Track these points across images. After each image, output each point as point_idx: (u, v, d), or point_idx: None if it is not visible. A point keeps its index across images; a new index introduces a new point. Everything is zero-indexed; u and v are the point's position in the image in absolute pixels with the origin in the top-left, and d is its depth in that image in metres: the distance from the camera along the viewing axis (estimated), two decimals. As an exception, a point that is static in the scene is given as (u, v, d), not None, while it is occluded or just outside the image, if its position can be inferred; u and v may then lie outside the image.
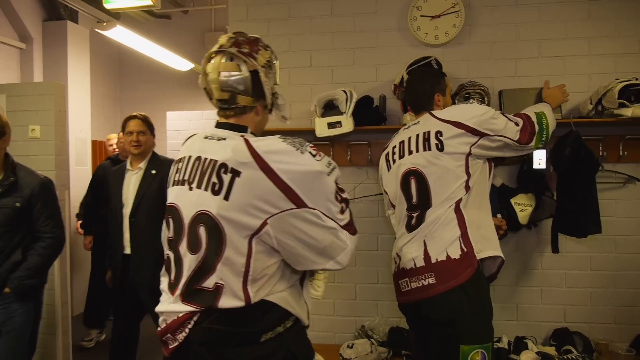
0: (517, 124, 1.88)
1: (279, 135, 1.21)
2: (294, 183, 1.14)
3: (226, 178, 1.15)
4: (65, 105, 3.27)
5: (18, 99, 3.05)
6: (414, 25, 2.83)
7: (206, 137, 1.27)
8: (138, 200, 2.57)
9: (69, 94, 4.44)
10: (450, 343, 1.73)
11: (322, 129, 2.62)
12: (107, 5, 3.22)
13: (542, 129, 1.93)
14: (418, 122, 1.95)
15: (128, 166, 2.71)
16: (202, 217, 1.17)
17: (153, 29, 5.65)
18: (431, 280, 1.77)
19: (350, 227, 1.24)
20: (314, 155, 1.18)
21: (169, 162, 1.28)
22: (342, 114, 2.62)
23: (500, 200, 2.53)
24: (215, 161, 1.18)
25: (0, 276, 2.14)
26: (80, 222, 3.81)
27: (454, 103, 2.47)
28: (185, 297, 1.20)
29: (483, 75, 2.74)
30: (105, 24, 4.28)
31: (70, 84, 4.54)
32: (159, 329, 1.27)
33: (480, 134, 1.80)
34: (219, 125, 1.30)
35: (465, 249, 1.75)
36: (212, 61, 1.26)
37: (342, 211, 1.21)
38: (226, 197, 1.14)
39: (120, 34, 4.47)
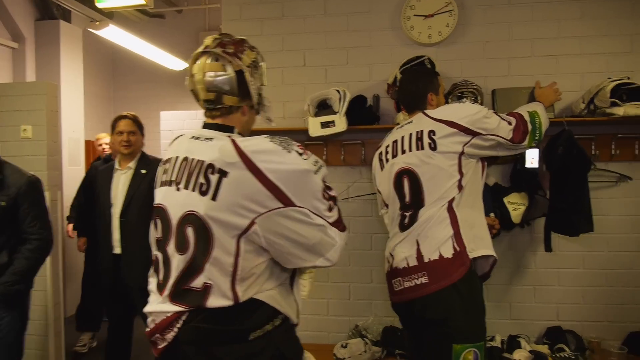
0: (510, 123, 1.88)
1: (265, 135, 1.22)
2: (281, 182, 1.15)
3: (213, 178, 1.16)
4: (58, 105, 3.25)
5: (10, 98, 3.03)
6: (408, 24, 2.83)
7: (193, 137, 1.28)
8: (128, 200, 2.56)
9: (61, 94, 4.41)
10: (443, 342, 1.73)
11: (315, 128, 2.62)
12: (99, 5, 3.21)
13: (535, 128, 1.93)
14: (411, 122, 1.95)
15: (117, 166, 2.70)
16: (190, 218, 1.18)
17: (147, 28, 5.62)
18: (424, 280, 1.78)
19: (339, 224, 1.25)
20: (300, 154, 1.20)
21: (158, 162, 1.28)
22: (335, 113, 2.61)
23: (493, 199, 2.54)
24: (203, 162, 1.19)
25: None
26: (71, 225, 3.76)
27: (447, 102, 2.48)
28: (174, 297, 1.21)
29: (476, 75, 2.75)
30: (98, 23, 4.27)
31: (63, 84, 4.51)
32: (147, 329, 1.28)
33: (473, 133, 1.80)
34: (205, 125, 1.31)
35: (457, 248, 1.76)
36: (198, 62, 1.27)
37: (330, 209, 1.22)
38: (214, 198, 1.15)
39: (113, 34, 4.46)
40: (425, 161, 1.83)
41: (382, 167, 2.04)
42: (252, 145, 1.18)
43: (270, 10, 2.98)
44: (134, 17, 5.39)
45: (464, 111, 1.86)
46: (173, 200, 1.23)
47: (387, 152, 2.01)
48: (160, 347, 1.23)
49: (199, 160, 1.20)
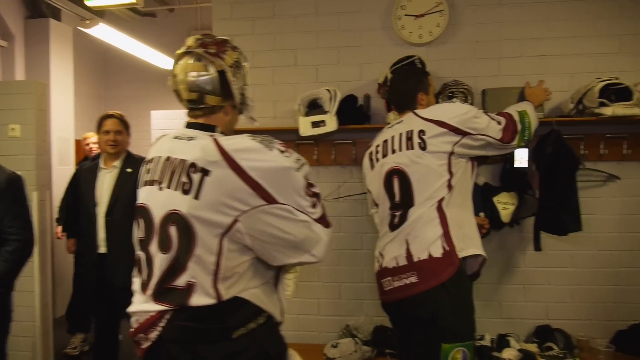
0: (499, 123, 1.89)
1: (247, 134, 1.22)
2: (263, 180, 1.15)
3: (196, 177, 1.16)
4: (47, 104, 3.22)
5: (-3, 97, 3.00)
6: (398, 24, 2.83)
7: (176, 137, 1.29)
8: (114, 199, 2.55)
9: (51, 93, 4.38)
10: (432, 341, 1.73)
11: (306, 128, 2.61)
12: (88, 3, 3.19)
13: (525, 128, 1.94)
14: (401, 121, 1.96)
15: (101, 165, 2.69)
16: (173, 217, 1.19)
17: (138, 27, 5.58)
18: (413, 279, 1.78)
19: (323, 221, 1.26)
20: (282, 152, 1.21)
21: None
22: (326, 113, 2.61)
23: (483, 198, 2.54)
24: (185, 161, 1.20)
25: None
26: (60, 227, 3.72)
27: (437, 102, 2.48)
28: (157, 296, 1.21)
29: (467, 75, 2.76)
30: (88, 22, 4.24)
31: (52, 83, 4.47)
32: (131, 329, 1.28)
33: (463, 133, 1.81)
34: (188, 125, 1.32)
35: (447, 248, 1.76)
36: (180, 62, 1.28)
37: (313, 205, 1.24)
38: (196, 196, 1.16)
39: (103, 32, 4.43)
40: (415, 161, 1.83)
41: (372, 166, 2.04)
42: (234, 143, 1.18)
43: (261, 10, 2.97)
44: (125, 16, 5.34)
45: (453, 111, 1.86)
46: (156, 199, 1.24)
47: (377, 152, 2.01)
48: (144, 346, 1.23)
49: (181, 160, 1.21)
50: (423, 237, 1.79)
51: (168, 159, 1.24)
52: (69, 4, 4.03)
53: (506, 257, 2.80)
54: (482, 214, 2.39)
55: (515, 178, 2.61)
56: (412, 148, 1.85)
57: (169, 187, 1.21)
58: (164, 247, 1.20)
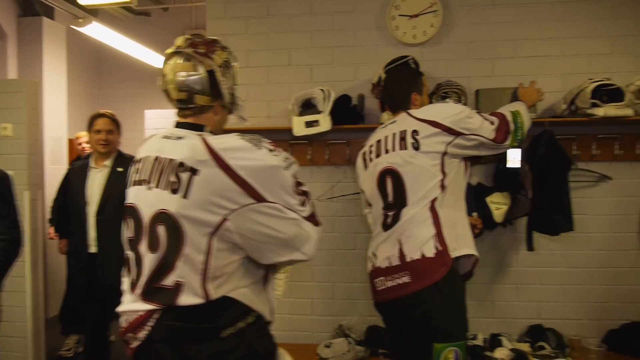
0: (492, 123, 1.89)
1: (236, 133, 1.23)
2: (251, 178, 1.16)
3: (184, 176, 1.17)
4: (39, 103, 3.20)
5: (-10, 96, 2.98)
6: (393, 24, 2.83)
7: (164, 137, 1.29)
8: (105, 198, 2.55)
9: (44, 92, 4.36)
10: (424, 341, 1.74)
11: (299, 127, 2.61)
12: (81, 1, 3.17)
13: (518, 128, 1.94)
14: (395, 121, 1.96)
15: (92, 164, 2.68)
16: (161, 216, 1.19)
17: (132, 26, 5.56)
18: (406, 279, 1.78)
19: (312, 219, 1.27)
20: (271, 151, 1.22)
21: None
22: (320, 112, 2.61)
23: (476, 198, 2.55)
24: (173, 160, 1.20)
25: None
26: (53, 227, 3.70)
27: (431, 102, 2.49)
28: (146, 296, 1.21)
29: (460, 75, 2.76)
30: (81, 20, 4.21)
31: (45, 82, 4.44)
32: (120, 329, 1.28)
33: (456, 133, 1.81)
34: (177, 125, 1.32)
35: (439, 248, 1.76)
36: (169, 62, 1.29)
37: (302, 203, 1.25)
38: (185, 196, 1.16)
39: (97, 31, 4.41)
40: (409, 161, 1.83)
41: (365, 166, 2.04)
42: (222, 143, 1.19)
43: (255, 9, 2.97)
44: (119, 15, 5.32)
45: (447, 111, 1.86)
46: (144, 199, 1.24)
47: (370, 152, 2.01)
48: (133, 346, 1.23)
49: (169, 159, 1.21)
50: (416, 237, 1.79)
51: (157, 158, 1.25)
52: (63, 3, 4.00)
53: (499, 257, 2.81)
54: (475, 214, 2.40)
55: (508, 178, 2.62)
56: (406, 148, 1.85)
57: (157, 187, 1.21)
58: (153, 246, 1.21)
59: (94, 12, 4.52)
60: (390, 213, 1.87)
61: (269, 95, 2.95)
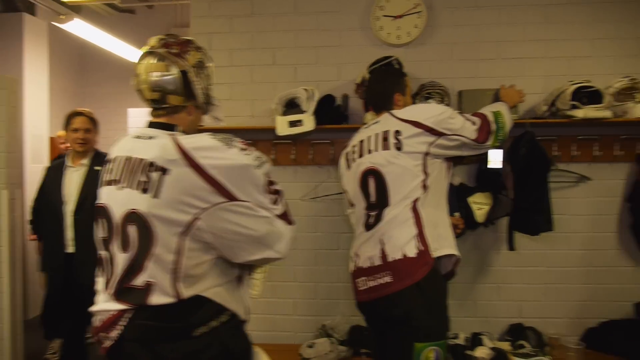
0: (474, 123, 1.91)
1: (208, 132, 1.24)
2: (223, 177, 1.17)
3: (155, 176, 1.17)
4: (20, 100, 3.15)
5: (-34, 93, 2.92)
6: (377, 24, 2.84)
7: (136, 136, 1.30)
8: (83, 197, 2.51)
9: (25, 89, 4.29)
10: (405, 341, 1.74)
11: (283, 127, 2.60)
12: (62, -3, 3.11)
13: (499, 128, 1.96)
14: (378, 122, 1.97)
15: (68, 163, 2.64)
16: (132, 216, 1.19)
17: (117, 23, 5.50)
18: (388, 279, 1.79)
19: (285, 217, 1.29)
20: (242, 150, 1.22)
21: None
22: (303, 112, 2.61)
23: (458, 199, 2.57)
24: (144, 160, 1.20)
25: None
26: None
27: (414, 103, 2.50)
28: (118, 296, 1.22)
29: (444, 76, 2.78)
30: (63, 17, 4.15)
31: (26, 79, 4.37)
32: (94, 328, 1.29)
33: (438, 134, 1.82)
34: (149, 124, 1.33)
35: (421, 248, 1.77)
36: (143, 62, 1.30)
37: (274, 202, 1.26)
38: (155, 195, 1.16)
39: (79, 28, 4.35)
40: (391, 161, 1.84)
41: (348, 166, 2.05)
42: (193, 142, 1.19)
43: (240, 8, 2.95)
44: (103, 12, 5.27)
45: (429, 112, 1.88)
46: (115, 199, 1.25)
47: (353, 152, 2.02)
48: (106, 345, 1.24)
49: (140, 159, 1.21)
50: (398, 237, 1.80)
51: (128, 158, 1.25)
52: (44, -1, 3.95)
53: (481, 256, 2.84)
54: (457, 214, 2.41)
55: (490, 179, 2.65)
56: (388, 148, 1.86)
57: (128, 187, 1.22)
58: (124, 246, 1.21)
59: (76, 9, 4.46)
60: (373, 213, 1.88)
61: (253, 94, 2.94)
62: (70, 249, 2.54)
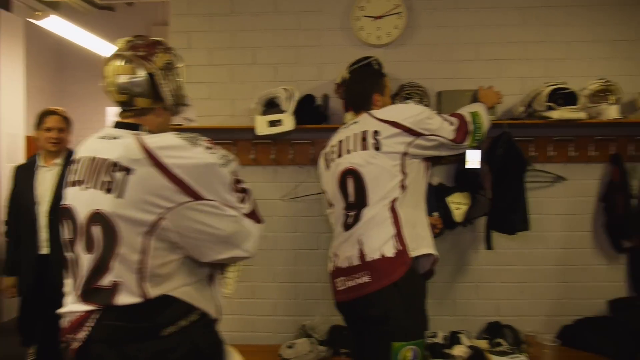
0: (452, 124, 1.92)
1: (173, 132, 1.24)
2: (188, 176, 1.16)
3: (119, 176, 1.17)
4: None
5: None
6: (357, 25, 2.85)
7: (101, 137, 1.29)
8: (58, 197, 2.45)
9: (0, 87, 4.19)
10: (382, 340, 1.75)
11: (262, 127, 2.60)
12: (38, -7, 3.05)
13: (477, 128, 1.97)
14: (357, 122, 1.97)
15: (41, 162, 2.59)
16: (96, 217, 1.19)
17: (96, 20, 5.40)
18: (366, 279, 1.79)
19: (254, 216, 1.29)
20: (207, 149, 1.22)
21: None
22: (283, 112, 2.60)
23: (437, 198, 2.59)
24: (108, 160, 1.20)
25: None
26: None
27: (394, 103, 2.51)
28: (84, 297, 1.21)
29: (423, 77, 2.80)
30: (40, 13, 4.07)
31: (2, 77, 4.26)
32: (62, 330, 1.27)
33: (417, 134, 1.83)
34: (115, 125, 1.32)
35: (399, 248, 1.77)
36: (110, 64, 1.29)
37: (242, 200, 1.26)
38: (119, 195, 1.16)
39: (56, 25, 4.26)
40: (369, 161, 1.84)
41: (327, 166, 2.05)
42: (157, 141, 1.19)
43: (220, 6, 2.93)
44: (82, 9, 5.17)
45: (407, 112, 1.88)
46: (80, 200, 1.24)
47: (332, 152, 2.02)
48: (73, 347, 1.22)
49: (104, 159, 1.21)
50: (376, 237, 1.80)
51: (92, 159, 1.25)
52: (19, -6, 3.86)
53: (459, 256, 2.87)
54: (436, 214, 2.43)
55: (469, 179, 2.68)
56: (367, 148, 1.86)
57: (92, 187, 1.21)
58: (89, 247, 1.21)
59: (53, 5, 4.37)
60: (351, 213, 1.88)
61: (233, 93, 2.92)
62: (45, 250, 2.49)
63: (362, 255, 1.80)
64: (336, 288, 1.91)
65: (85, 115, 5.53)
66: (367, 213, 1.83)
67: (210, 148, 1.23)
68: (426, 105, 2.53)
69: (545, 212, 2.80)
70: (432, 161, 1.99)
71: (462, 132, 1.93)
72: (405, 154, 1.84)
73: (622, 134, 2.76)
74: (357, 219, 1.85)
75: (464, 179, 2.70)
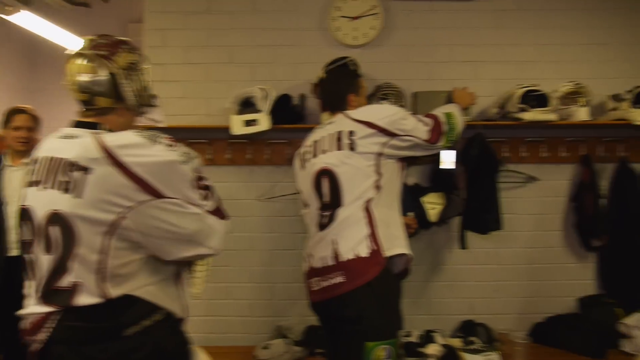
0: (426, 124, 1.94)
1: (133, 130, 1.23)
2: (148, 174, 1.16)
3: (77, 176, 1.15)
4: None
5: None
6: (334, 25, 2.85)
7: (60, 136, 1.28)
8: None
9: (-33, 84, 4.06)
10: (355, 340, 1.75)
11: (238, 126, 2.58)
12: (7, -12, 2.97)
13: (451, 129, 1.99)
14: (332, 122, 1.97)
15: (8, 162, 2.53)
16: (55, 217, 1.18)
17: (71, 17, 5.26)
18: (340, 279, 1.79)
19: (218, 212, 1.29)
20: (168, 146, 1.22)
21: None
22: (259, 111, 2.59)
23: (412, 199, 2.61)
24: (66, 160, 1.19)
25: None
26: None
27: (369, 104, 2.52)
28: (45, 298, 1.20)
29: (399, 77, 2.82)
30: (10, 8, 3.96)
31: (-31, 73, 4.15)
32: (22, 331, 1.26)
33: (391, 134, 1.84)
34: (74, 124, 1.31)
35: (373, 248, 1.78)
36: (71, 63, 1.29)
37: (205, 197, 1.26)
38: (78, 195, 1.15)
39: (28, 21, 4.16)
40: (344, 161, 1.85)
41: (303, 166, 2.04)
42: (116, 140, 1.18)
43: (195, 4, 2.89)
44: (56, 5, 5.05)
45: (382, 112, 1.90)
46: (38, 200, 1.23)
47: (307, 152, 2.02)
48: (34, 349, 1.21)
49: (62, 159, 1.20)
50: (350, 238, 1.80)
51: (51, 158, 1.23)
52: (-12, -11, 3.74)
53: (434, 255, 2.90)
54: (411, 214, 2.44)
55: (443, 179, 2.71)
56: (342, 149, 1.86)
57: (50, 187, 1.20)
58: (48, 248, 1.19)
59: (25, 1, 4.26)
60: (326, 213, 1.88)
61: (209, 92, 2.89)
62: (14, 251, 2.42)
63: (336, 256, 1.81)
64: (311, 288, 1.91)
65: (59, 114, 5.35)
66: (341, 213, 1.83)
67: (171, 145, 1.22)
68: (402, 106, 2.54)
69: (517, 211, 2.85)
70: (408, 162, 2.00)
71: (437, 132, 1.95)
72: (380, 154, 1.85)
73: (592, 136, 2.82)
74: (331, 219, 1.85)
75: (439, 179, 2.73)
